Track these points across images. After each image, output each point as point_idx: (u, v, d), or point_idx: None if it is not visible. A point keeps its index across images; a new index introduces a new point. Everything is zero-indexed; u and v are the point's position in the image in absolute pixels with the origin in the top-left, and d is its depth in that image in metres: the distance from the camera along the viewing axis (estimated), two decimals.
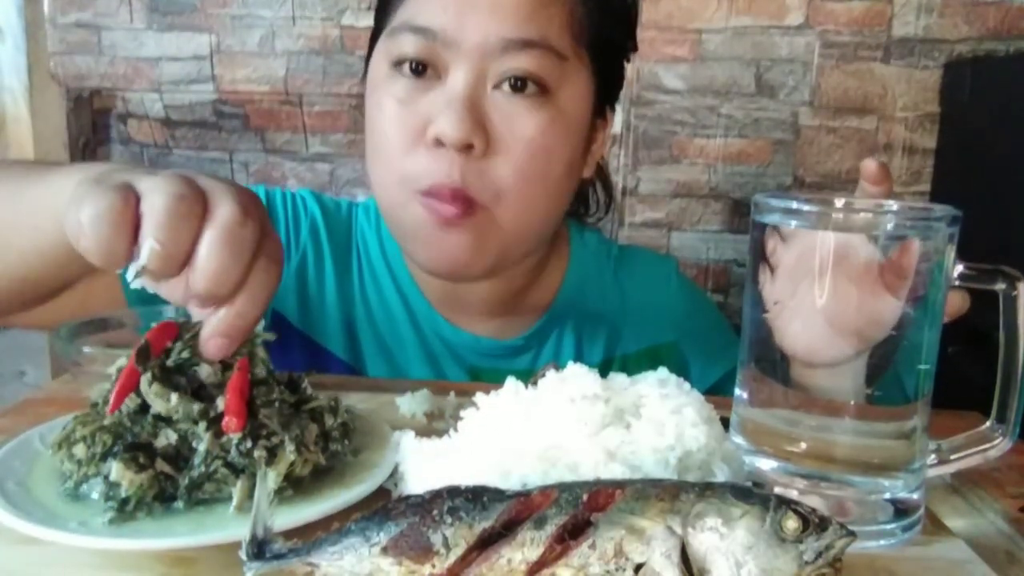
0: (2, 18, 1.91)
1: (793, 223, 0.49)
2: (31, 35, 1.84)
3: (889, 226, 0.48)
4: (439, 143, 0.69)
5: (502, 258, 0.76)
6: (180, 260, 0.45)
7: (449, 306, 0.85)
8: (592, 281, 0.90)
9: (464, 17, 0.69)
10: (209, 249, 0.45)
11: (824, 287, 0.48)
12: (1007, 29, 1.66)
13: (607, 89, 0.80)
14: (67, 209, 0.45)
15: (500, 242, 0.74)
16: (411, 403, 0.65)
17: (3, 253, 0.63)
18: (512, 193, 0.71)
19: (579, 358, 0.86)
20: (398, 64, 0.71)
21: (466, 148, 0.69)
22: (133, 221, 0.44)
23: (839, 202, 0.52)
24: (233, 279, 0.46)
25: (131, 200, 0.44)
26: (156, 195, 0.44)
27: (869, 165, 0.58)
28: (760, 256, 0.51)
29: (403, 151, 0.71)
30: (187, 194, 0.45)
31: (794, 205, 0.49)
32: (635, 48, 0.83)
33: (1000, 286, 0.48)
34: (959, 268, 0.48)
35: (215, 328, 0.47)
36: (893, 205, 0.53)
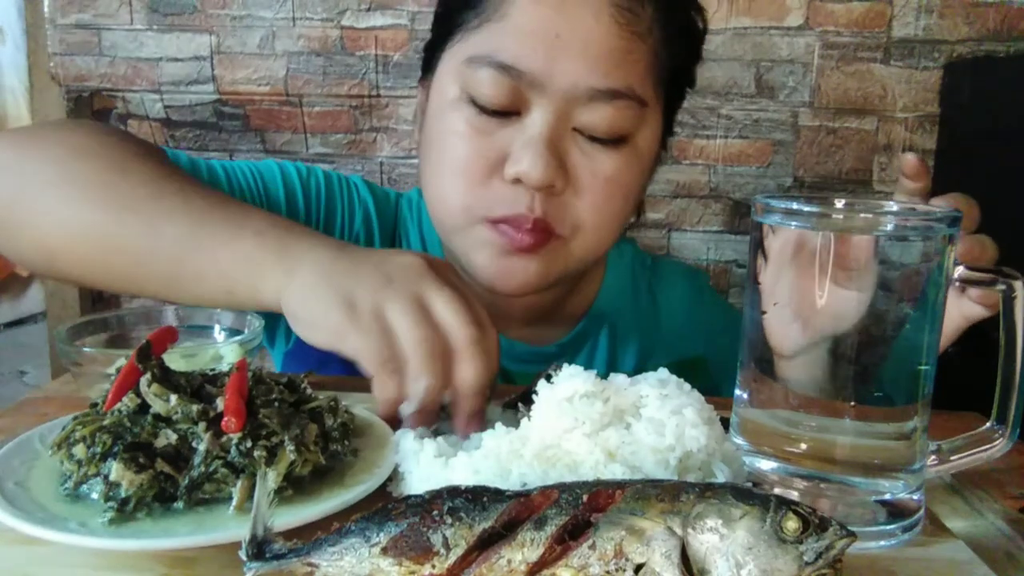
0: (2, 19, 1.91)
1: (793, 223, 0.49)
2: (31, 36, 1.84)
3: (889, 226, 0.48)
4: (518, 181, 0.69)
5: (561, 280, 0.77)
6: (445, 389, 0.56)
7: (486, 309, 0.85)
8: (627, 292, 0.91)
9: (553, 62, 0.67)
10: (468, 372, 0.56)
11: (780, 278, 0.49)
12: (1007, 30, 1.66)
13: (670, 119, 0.81)
14: (301, 307, 0.59)
15: (565, 268, 0.75)
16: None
17: (153, 282, 0.67)
18: (589, 227, 0.73)
19: (611, 367, 0.88)
20: (471, 100, 0.71)
21: (547, 188, 0.69)
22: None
23: (839, 202, 0.52)
24: (485, 390, 0.57)
25: (394, 349, 0.55)
26: (412, 335, 0.55)
27: (910, 160, 0.58)
28: (761, 257, 0.51)
29: (477, 181, 0.71)
30: (432, 335, 0.55)
31: (794, 205, 0.49)
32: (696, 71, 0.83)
33: (1000, 287, 0.48)
34: (959, 268, 0.48)
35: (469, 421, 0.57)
36: (893, 205, 0.53)
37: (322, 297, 0.57)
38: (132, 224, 0.65)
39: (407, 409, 0.56)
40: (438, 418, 0.58)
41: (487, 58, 0.69)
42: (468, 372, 0.56)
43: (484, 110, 0.70)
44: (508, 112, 0.70)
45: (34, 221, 0.67)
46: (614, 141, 0.71)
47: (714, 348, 0.91)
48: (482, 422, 0.57)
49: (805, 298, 0.48)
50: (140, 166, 0.69)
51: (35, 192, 0.67)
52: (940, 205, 0.59)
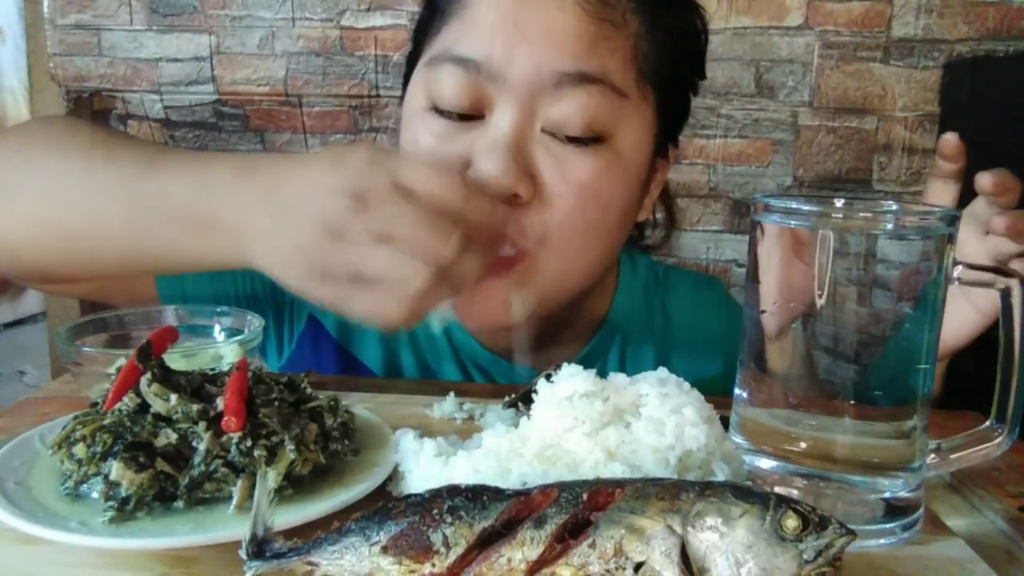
0: (2, 19, 1.91)
1: (793, 223, 0.49)
2: (31, 36, 1.85)
3: (889, 226, 0.48)
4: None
5: (541, 306, 0.70)
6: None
7: (489, 336, 0.81)
8: (639, 309, 0.86)
9: (512, 47, 0.62)
10: (466, 275, 0.53)
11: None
12: (1007, 29, 1.66)
13: (670, 125, 0.73)
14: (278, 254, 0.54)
15: (540, 291, 0.68)
16: (443, 408, 0.66)
17: (91, 228, 0.63)
18: (558, 241, 0.65)
19: None
20: (435, 107, 0.66)
21: (511, 197, 0.63)
22: None
23: (838, 202, 0.52)
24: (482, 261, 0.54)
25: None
26: (406, 282, 0.51)
27: (948, 140, 0.57)
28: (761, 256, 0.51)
29: None
30: (426, 276, 0.51)
31: (794, 205, 0.49)
32: (703, 78, 0.77)
33: (1000, 286, 0.48)
34: (959, 268, 0.48)
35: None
36: (893, 205, 0.53)
37: (296, 274, 0.54)
38: (77, 209, 0.63)
39: (437, 326, 0.55)
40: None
41: (446, 54, 0.65)
42: (468, 272, 0.53)
43: (448, 115, 0.65)
44: (472, 116, 0.65)
45: None
46: (589, 141, 0.64)
47: (732, 364, 0.87)
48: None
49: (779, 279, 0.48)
50: (86, 143, 0.66)
51: None
52: (985, 180, 0.58)
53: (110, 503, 0.45)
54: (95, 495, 0.46)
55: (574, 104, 0.62)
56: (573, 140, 0.63)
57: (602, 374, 0.76)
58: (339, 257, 0.51)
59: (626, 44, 0.65)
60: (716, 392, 0.77)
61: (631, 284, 0.86)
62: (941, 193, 0.68)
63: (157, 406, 0.48)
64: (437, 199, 0.52)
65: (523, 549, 0.38)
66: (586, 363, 0.84)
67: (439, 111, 0.66)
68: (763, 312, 0.50)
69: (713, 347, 0.87)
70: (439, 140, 0.65)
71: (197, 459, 0.46)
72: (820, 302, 0.47)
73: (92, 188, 0.62)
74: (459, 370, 0.83)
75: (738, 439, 0.52)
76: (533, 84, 0.62)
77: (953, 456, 0.51)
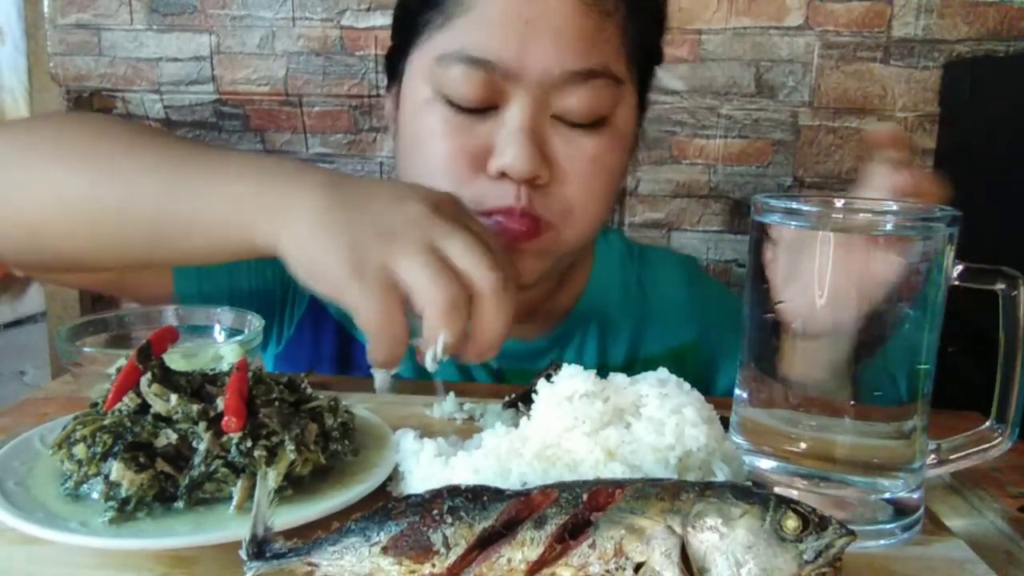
0: (2, 19, 1.91)
1: (793, 223, 0.49)
2: (31, 36, 1.84)
3: (889, 226, 0.48)
4: (504, 175, 0.68)
5: (553, 270, 0.76)
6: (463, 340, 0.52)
7: None
8: (616, 283, 0.90)
9: (525, 49, 0.66)
10: (488, 325, 0.53)
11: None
12: (1007, 29, 1.66)
13: (644, 96, 0.80)
14: (303, 255, 0.54)
15: (558, 256, 0.74)
16: (443, 408, 0.66)
17: (138, 236, 0.63)
18: (578, 212, 0.72)
19: (602, 359, 0.87)
20: (445, 99, 0.69)
21: (532, 180, 0.69)
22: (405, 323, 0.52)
23: (839, 202, 0.52)
24: (503, 336, 0.54)
25: (401, 308, 0.51)
26: (430, 291, 0.51)
27: (878, 129, 0.56)
28: (761, 256, 0.51)
29: (463, 179, 0.70)
30: (454, 288, 0.51)
31: (794, 205, 0.49)
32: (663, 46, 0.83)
33: (1000, 286, 0.48)
34: (959, 268, 0.48)
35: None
36: (893, 205, 0.53)
37: (324, 246, 0.54)
38: (108, 184, 0.62)
39: (430, 360, 0.53)
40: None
41: (458, 54, 0.68)
42: (492, 321, 0.53)
43: (461, 108, 0.69)
44: (485, 107, 0.69)
45: (11, 197, 0.66)
46: (594, 124, 0.70)
47: (706, 331, 0.90)
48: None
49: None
50: (121, 130, 0.67)
51: (9, 170, 0.66)
52: (881, 133, 0.58)
53: (110, 503, 0.45)
54: (95, 495, 0.46)
55: (582, 96, 0.68)
56: (580, 124, 0.70)
57: (582, 345, 0.75)
58: (379, 252, 0.52)
59: (617, 31, 0.71)
60: (690, 359, 0.79)
61: (608, 258, 0.91)
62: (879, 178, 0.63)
63: (157, 406, 0.48)
64: (492, 245, 0.55)
65: (523, 549, 0.38)
66: (566, 335, 0.88)
67: (450, 103, 0.69)
68: (779, 303, 0.50)
69: (686, 316, 0.90)
70: (455, 130, 0.70)
71: (197, 459, 0.46)
72: (820, 302, 0.47)
73: (132, 161, 0.63)
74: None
75: (738, 439, 0.52)
76: (545, 80, 0.67)
77: (953, 457, 0.51)
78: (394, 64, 0.79)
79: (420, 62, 0.72)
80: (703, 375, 0.87)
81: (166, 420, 0.48)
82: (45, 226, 0.65)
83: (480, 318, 0.53)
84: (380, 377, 0.56)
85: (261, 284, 0.83)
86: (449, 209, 0.56)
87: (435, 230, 0.53)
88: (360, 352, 0.86)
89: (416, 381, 0.77)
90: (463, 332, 0.52)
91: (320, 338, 0.86)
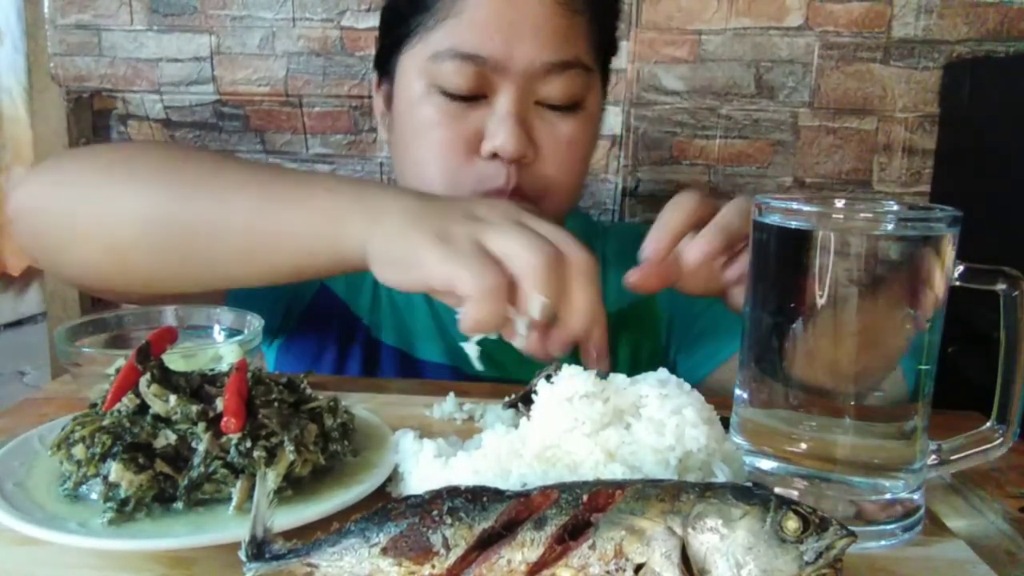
0: (1, 20, 1.91)
1: (793, 223, 0.49)
2: (31, 36, 1.84)
3: (889, 226, 0.48)
4: (494, 156, 0.76)
5: None
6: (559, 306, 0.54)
7: None
8: None
9: (511, 44, 0.75)
10: (584, 294, 0.55)
11: None
12: (1007, 30, 1.66)
13: (606, 84, 0.89)
14: (405, 253, 0.56)
15: None
16: (443, 408, 0.66)
17: (224, 258, 0.65)
18: (556, 186, 0.80)
19: None
20: (440, 91, 0.76)
21: (521, 159, 0.76)
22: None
23: (839, 202, 0.52)
24: (599, 310, 0.56)
25: (503, 273, 0.53)
26: (527, 255, 0.53)
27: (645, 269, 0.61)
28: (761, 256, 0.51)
29: (459, 161, 0.77)
30: (549, 249, 0.54)
31: (794, 205, 0.49)
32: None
33: (1000, 286, 0.48)
34: (959, 268, 0.48)
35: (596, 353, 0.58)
36: (893, 205, 0.53)
37: (414, 236, 0.56)
38: (200, 201, 0.64)
39: (522, 327, 0.54)
40: (562, 351, 0.57)
41: (451, 51, 0.75)
42: (586, 296, 0.55)
43: (453, 97, 0.76)
44: (476, 96, 0.76)
45: (100, 222, 0.67)
46: (570, 108, 0.79)
47: (674, 303, 0.93)
48: (607, 355, 0.58)
49: None
50: (195, 153, 0.73)
51: (96, 195, 0.67)
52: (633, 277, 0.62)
53: (109, 504, 0.44)
54: (94, 496, 0.46)
55: (560, 84, 0.77)
56: (558, 108, 0.78)
57: None
58: (469, 228, 0.56)
59: (587, 26, 0.79)
60: (648, 319, 0.87)
61: (575, 235, 0.94)
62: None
63: (156, 407, 0.48)
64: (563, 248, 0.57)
65: (523, 550, 0.38)
66: None
67: (444, 93, 0.77)
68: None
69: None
70: (449, 118, 0.77)
71: (196, 460, 0.46)
72: (820, 302, 0.47)
73: (220, 179, 0.65)
74: (432, 317, 0.90)
75: (738, 440, 0.52)
76: (528, 72, 0.76)
77: (954, 457, 0.51)
78: (383, 64, 0.85)
79: (413, 61, 0.79)
80: (657, 331, 0.94)
81: (165, 421, 0.48)
82: (135, 250, 0.66)
83: (576, 289, 0.55)
84: (473, 349, 0.57)
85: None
86: (529, 208, 0.61)
87: (520, 214, 0.58)
88: (360, 330, 0.90)
89: (419, 381, 0.77)
90: (559, 296, 0.54)
91: (328, 320, 0.90)
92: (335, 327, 0.90)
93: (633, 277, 0.61)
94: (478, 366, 0.58)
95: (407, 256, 0.56)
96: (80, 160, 0.74)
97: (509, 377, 0.76)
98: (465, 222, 0.56)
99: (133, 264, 0.67)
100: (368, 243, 0.59)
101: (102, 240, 0.67)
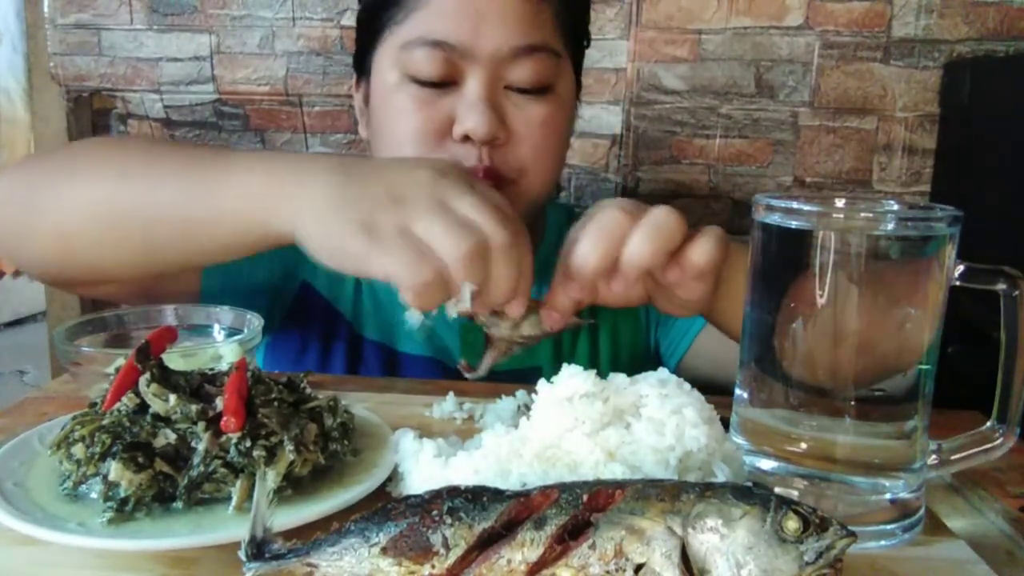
0: (1, 20, 1.91)
1: (793, 223, 0.49)
2: (31, 36, 1.84)
3: (890, 226, 0.47)
4: (467, 139, 0.77)
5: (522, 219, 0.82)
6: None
7: None
8: (558, 245, 0.95)
9: (478, 30, 0.77)
10: (504, 270, 0.56)
11: None
12: (1007, 30, 1.66)
13: (579, 75, 0.92)
14: (331, 237, 0.57)
15: (526, 209, 0.81)
16: (443, 408, 0.66)
17: (163, 243, 0.67)
18: (532, 168, 0.82)
19: None
20: (412, 79, 0.78)
21: (492, 141, 0.78)
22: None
23: (839, 202, 0.52)
24: (516, 288, 0.57)
25: (434, 261, 0.54)
26: (450, 243, 0.54)
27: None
28: (762, 256, 0.51)
29: (432, 146, 0.79)
30: (471, 238, 0.54)
31: (794, 205, 0.49)
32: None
33: (1001, 286, 0.48)
34: (959, 268, 0.48)
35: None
36: (893, 205, 0.53)
37: (340, 223, 0.57)
38: (134, 189, 0.67)
39: (453, 311, 0.56)
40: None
41: (420, 40, 0.77)
42: (510, 269, 0.56)
43: (425, 84, 0.78)
44: (446, 83, 0.78)
45: (48, 209, 0.70)
46: (540, 91, 0.80)
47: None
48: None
49: None
50: (144, 144, 0.75)
51: (47, 188, 0.71)
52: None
53: (109, 504, 0.44)
54: (94, 496, 0.46)
55: (528, 68, 0.79)
56: (528, 92, 0.80)
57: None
58: (394, 216, 0.56)
59: (553, 13, 0.81)
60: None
61: (556, 225, 0.98)
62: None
63: (156, 406, 0.48)
64: (499, 204, 0.59)
65: (523, 550, 0.37)
66: None
67: (416, 81, 0.78)
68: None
69: None
70: (421, 104, 0.79)
71: (196, 459, 0.46)
72: (820, 302, 0.47)
73: (152, 168, 0.68)
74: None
75: (739, 440, 0.52)
76: (496, 56, 0.77)
77: (954, 457, 0.51)
78: (360, 63, 0.88)
79: (386, 53, 0.81)
80: (636, 311, 0.94)
81: (165, 420, 0.48)
82: (75, 236, 0.70)
83: (497, 268, 0.56)
84: (413, 317, 0.58)
85: (272, 279, 0.89)
86: (455, 173, 0.60)
87: (445, 191, 0.57)
88: (343, 327, 0.91)
89: (418, 381, 0.77)
90: (486, 281, 0.55)
91: (311, 318, 0.91)
92: (318, 324, 0.91)
93: (553, 323, 0.62)
94: (418, 337, 0.59)
95: (338, 247, 0.57)
96: (44, 158, 0.78)
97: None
98: (389, 208, 0.56)
99: (74, 251, 0.70)
100: (294, 228, 0.60)
101: (50, 230, 0.71)
